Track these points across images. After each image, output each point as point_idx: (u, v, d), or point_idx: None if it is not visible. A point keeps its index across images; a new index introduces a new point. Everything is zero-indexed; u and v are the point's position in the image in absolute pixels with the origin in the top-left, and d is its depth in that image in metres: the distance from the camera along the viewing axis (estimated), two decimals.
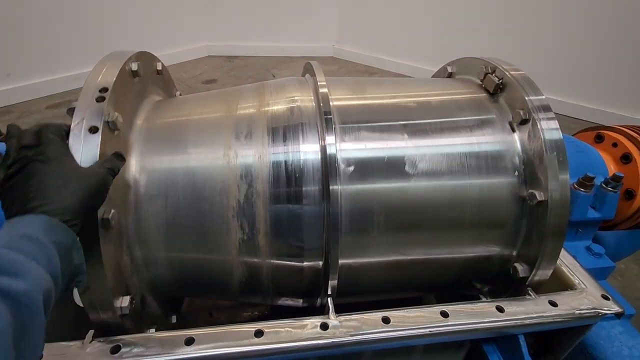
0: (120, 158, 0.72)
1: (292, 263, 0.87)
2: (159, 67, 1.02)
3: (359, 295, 1.02)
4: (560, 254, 1.03)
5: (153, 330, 0.88)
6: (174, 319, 1.05)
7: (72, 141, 0.70)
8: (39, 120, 2.97)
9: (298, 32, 4.96)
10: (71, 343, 0.73)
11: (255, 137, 0.86)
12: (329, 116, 0.86)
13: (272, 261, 0.86)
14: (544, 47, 3.71)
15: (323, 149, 0.84)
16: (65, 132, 0.70)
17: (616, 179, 1.13)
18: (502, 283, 0.99)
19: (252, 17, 4.86)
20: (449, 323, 0.83)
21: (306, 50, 4.93)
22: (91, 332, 0.75)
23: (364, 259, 0.91)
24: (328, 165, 0.81)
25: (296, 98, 0.93)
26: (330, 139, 0.83)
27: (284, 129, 0.87)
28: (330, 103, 0.89)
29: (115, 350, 0.72)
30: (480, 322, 0.84)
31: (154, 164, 0.84)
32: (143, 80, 0.92)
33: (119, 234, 0.76)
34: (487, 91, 1.02)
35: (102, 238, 0.69)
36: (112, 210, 0.71)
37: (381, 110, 0.95)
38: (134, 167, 0.83)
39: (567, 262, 1.01)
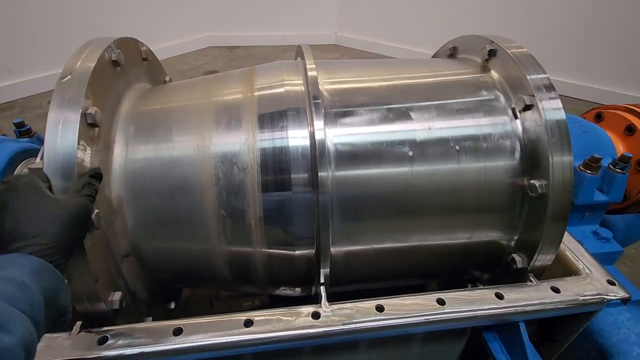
0: (98, 176, 0.70)
1: (284, 252, 0.85)
2: (144, 55, 0.98)
3: (355, 283, 1.00)
4: (565, 238, 1.00)
5: (150, 319, 0.87)
6: (172, 306, 1.05)
7: (48, 135, 0.68)
8: (41, 116, 2.99)
9: (299, 20, 4.88)
10: (58, 335, 0.72)
11: (243, 124, 0.83)
12: (317, 100, 0.82)
13: (263, 250, 0.84)
14: (549, 27, 3.58)
15: (312, 135, 0.81)
16: (44, 176, 0.67)
17: (624, 159, 1.08)
18: (503, 269, 0.96)
19: (253, 6, 4.79)
20: (446, 310, 0.80)
21: (308, 38, 4.82)
22: (79, 323, 0.74)
23: (358, 247, 0.89)
24: (317, 151, 0.78)
25: (285, 82, 0.89)
26: (318, 124, 0.80)
27: (272, 114, 0.84)
28: (320, 87, 0.86)
29: (103, 341, 0.71)
30: (478, 309, 0.81)
31: (137, 154, 0.82)
32: (125, 68, 0.89)
33: (103, 232, 0.75)
34: (487, 71, 0.98)
35: (87, 240, 0.68)
36: (96, 211, 0.69)
37: (374, 93, 0.92)
38: (118, 157, 0.81)
39: (571, 247, 0.97)
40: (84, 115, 0.71)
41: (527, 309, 0.82)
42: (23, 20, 3.23)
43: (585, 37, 3.48)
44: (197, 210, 0.80)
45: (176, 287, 1.12)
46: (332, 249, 0.85)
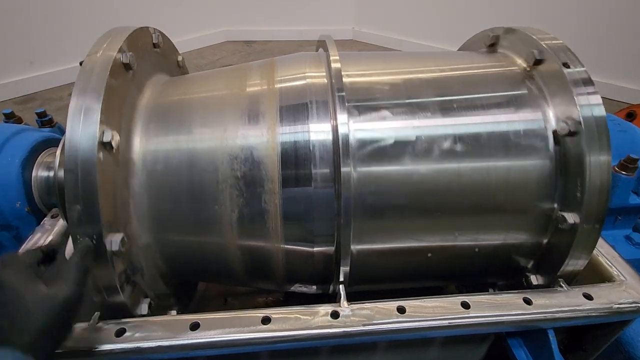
0: (91, 252, 0.67)
1: (303, 248, 0.83)
2: (155, 40, 0.93)
3: (374, 282, 0.97)
4: (598, 242, 0.95)
5: (174, 312, 0.87)
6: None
7: (70, 123, 0.68)
8: (61, 108, 3.05)
9: (316, 15, 4.84)
10: (76, 325, 0.71)
11: (264, 117, 0.81)
12: (341, 93, 0.79)
13: (282, 246, 0.82)
14: (572, 22, 3.45)
15: (334, 129, 0.78)
16: (41, 255, 0.65)
17: None
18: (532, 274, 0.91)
19: (270, 0, 4.78)
20: (471, 315, 0.77)
21: (325, 33, 4.80)
22: (97, 314, 0.74)
23: (379, 245, 0.86)
24: (339, 145, 0.76)
25: (307, 74, 0.87)
26: (342, 118, 0.77)
27: (293, 107, 0.81)
28: (344, 79, 0.83)
29: (120, 333, 0.71)
30: (505, 314, 0.78)
31: (157, 146, 0.81)
32: (138, 68, 0.85)
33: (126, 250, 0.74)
34: (520, 64, 0.93)
35: (112, 262, 0.68)
36: (121, 237, 0.69)
37: (399, 87, 0.88)
38: (137, 149, 0.80)
39: (604, 252, 0.92)
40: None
41: (558, 315, 0.78)
42: (45, 13, 3.29)
43: (610, 32, 3.34)
44: (216, 204, 0.79)
45: (194, 284, 1.11)
46: (352, 247, 0.83)
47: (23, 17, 3.18)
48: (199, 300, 1.37)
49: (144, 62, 0.87)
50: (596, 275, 0.90)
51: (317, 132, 0.79)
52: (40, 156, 1.01)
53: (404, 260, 0.90)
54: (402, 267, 0.92)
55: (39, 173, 0.99)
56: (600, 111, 0.78)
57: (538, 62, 0.87)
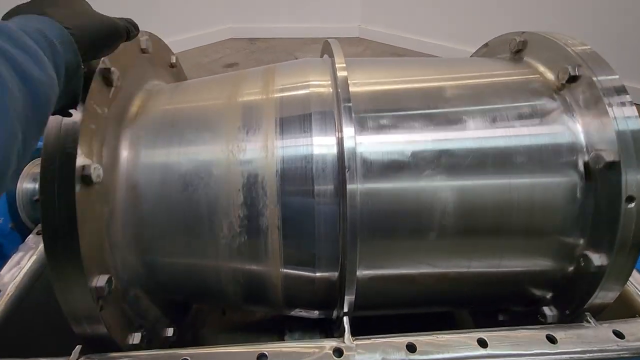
0: (135, 27, 0.67)
1: (303, 273, 0.76)
2: (144, 45, 0.85)
3: (379, 308, 0.90)
4: None
5: (170, 331, 0.82)
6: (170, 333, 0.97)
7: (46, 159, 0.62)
8: None
9: (322, 12, 4.74)
10: (55, 359, 0.65)
11: (262, 128, 0.74)
12: (348, 104, 0.72)
13: (281, 270, 0.76)
14: (598, 23, 3.32)
15: (340, 142, 0.71)
16: None
17: None
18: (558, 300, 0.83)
19: None
20: (488, 353, 0.70)
21: (331, 31, 4.69)
22: (78, 347, 0.67)
23: (387, 270, 0.79)
24: (345, 160, 0.69)
25: (310, 82, 0.79)
26: (348, 131, 0.70)
27: (294, 118, 0.74)
28: (350, 88, 0.76)
29: None
30: (526, 353, 0.70)
31: (147, 163, 0.74)
32: (124, 81, 0.77)
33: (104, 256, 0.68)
34: (548, 75, 0.84)
35: (96, 303, 0.63)
36: (107, 278, 0.65)
37: (411, 97, 0.80)
38: (125, 161, 0.73)
39: (635, 282, 0.84)
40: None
41: (585, 356, 0.70)
42: None
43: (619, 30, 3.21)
44: (212, 226, 0.72)
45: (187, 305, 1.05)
46: (358, 272, 0.76)
47: None
48: (195, 312, 1.31)
49: (132, 72, 0.80)
50: (627, 308, 0.82)
51: (321, 145, 0.72)
52: (26, 167, 0.95)
53: (413, 285, 0.83)
54: (411, 292, 0.85)
55: (24, 185, 0.93)
56: (636, 124, 0.70)
57: (572, 79, 0.78)
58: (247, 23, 4.77)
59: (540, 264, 0.79)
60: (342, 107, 0.72)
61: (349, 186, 0.68)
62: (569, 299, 0.79)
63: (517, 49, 0.93)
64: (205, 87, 0.88)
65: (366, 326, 0.75)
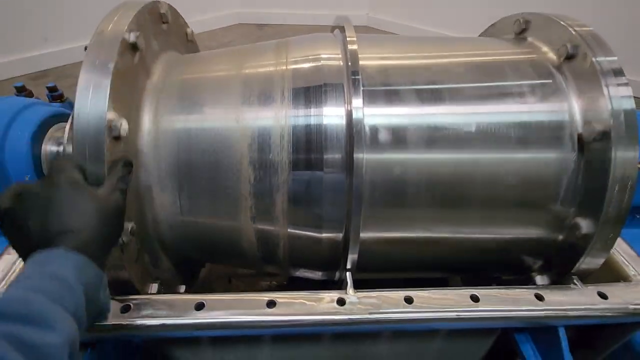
0: (129, 166, 0.68)
1: (310, 234, 0.82)
2: (165, 15, 0.89)
3: (380, 271, 0.96)
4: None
5: (183, 288, 0.87)
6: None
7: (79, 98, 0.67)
8: (73, 85, 3.04)
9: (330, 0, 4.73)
10: None
11: (274, 98, 0.79)
12: (356, 77, 0.77)
13: (289, 230, 0.81)
14: (614, 12, 3.30)
15: (349, 113, 0.76)
16: (78, 166, 0.65)
17: None
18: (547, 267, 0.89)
19: None
20: (480, 308, 0.75)
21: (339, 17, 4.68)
22: None
23: (388, 234, 0.84)
24: (353, 131, 0.73)
25: (322, 55, 0.84)
26: (357, 102, 0.75)
27: (306, 89, 0.79)
28: (360, 62, 0.80)
29: (125, 309, 0.71)
30: (515, 309, 0.76)
31: (168, 126, 0.79)
32: (147, 47, 0.82)
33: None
34: (549, 54, 0.88)
35: (122, 254, 0.69)
36: (131, 225, 0.70)
37: (419, 72, 0.85)
38: (147, 130, 0.78)
39: (621, 251, 0.89)
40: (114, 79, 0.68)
41: (570, 314, 0.76)
42: None
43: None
44: (226, 187, 0.78)
45: (199, 265, 1.11)
46: (361, 235, 0.81)
47: None
48: (202, 280, 1.38)
49: (153, 39, 0.85)
50: (612, 274, 0.87)
51: (331, 116, 0.77)
52: (50, 130, 1.00)
53: (412, 250, 0.88)
54: (410, 256, 0.90)
55: (49, 147, 0.98)
56: (630, 104, 0.75)
57: (570, 56, 0.82)
58: (255, 8, 4.77)
59: (532, 232, 0.84)
60: (351, 79, 0.77)
61: (356, 155, 0.73)
62: (557, 265, 0.84)
63: (521, 29, 0.96)
64: (220, 58, 0.93)
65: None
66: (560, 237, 0.83)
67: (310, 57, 0.84)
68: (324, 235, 0.81)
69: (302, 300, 0.75)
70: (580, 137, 0.78)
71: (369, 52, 0.85)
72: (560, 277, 0.84)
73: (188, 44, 1.06)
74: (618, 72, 0.77)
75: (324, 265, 0.88)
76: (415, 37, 0.99)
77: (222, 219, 0.81)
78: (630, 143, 0.73)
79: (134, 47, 0.75)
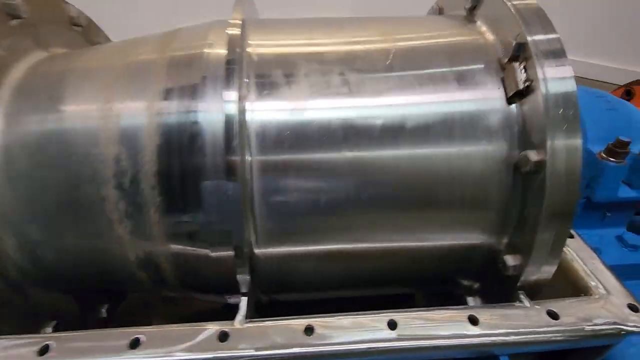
0: None
1: (196, 251, 0.68)
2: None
3: (297, 292, 0.81)
4: (576, 246, 0.77)
5: (50, 329, 0.74)
6: (103, 313, 0.92)
7: None
8: None
9: (310, 1, 4.67)
10: None
11: (145, 92, 0.67)
12: (232, 66, 0.64)
13: (167, 247, 0.68)
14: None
15: (237, 110, 0.63)
16: None
17: None
18: (491, 281, 0.75)
19: None
20: (396, 336, 0.61)
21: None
22: None
23: (294, 248, 0.71)
24: (233, 130, 0.61)
25: (208, 43, 0.72)
26: (229, 95, 0.62)
27: (181, 82, 0.67)
28: (248, 49, 0.69)
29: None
30: (442, 335, 0.61)
31: (22, 125, 0.67)
32: (28, 28, 0.74)
33: None
34: (474, 29, 0.76)
35: None
36: None
37: (319, 59, 0.71)
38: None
39: (582, 257, 0.74)
40: None
41: (509, 339, 0.61)
42: None
43: (612, 13, 3.04)
44: (84, 197, 0.65)
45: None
46: (257, 251, 0.68)
47: None
48: (144, 305, 1.25)
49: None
50: (571, 286, 0.72)
51: (207, 112, 0.64)
52: None
53: (330, 265, 0.74)
54: (330, 273, 0.76)
55: None
56: (570, 86, 0.61)
57: (508, 40, 0.68)
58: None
59: (467, 237, 0.70)
60: (226, 69, 0.65)
61: (238, 158, 0.61)
62: (498, 279, 0.70)
63: (471, 5, 0.83)
64: (105, 49, 0.82)
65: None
66: (505, 239, 0.69)
67: (193, 45, 0.72)
68: (213, 253, 0.68)
69: (176, 333, 0.61)
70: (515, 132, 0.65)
71: (262, 38, 0.73)
72: (503, 290, 0.69)
73: (73, 31, 0.91)
74: (557, 53, 0.64)
75: (220, 288, 0.74)
76: (334, 18, 0.86)
77: (90, 240, 0.69)
78: (570, 124, 0.59)
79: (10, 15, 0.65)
